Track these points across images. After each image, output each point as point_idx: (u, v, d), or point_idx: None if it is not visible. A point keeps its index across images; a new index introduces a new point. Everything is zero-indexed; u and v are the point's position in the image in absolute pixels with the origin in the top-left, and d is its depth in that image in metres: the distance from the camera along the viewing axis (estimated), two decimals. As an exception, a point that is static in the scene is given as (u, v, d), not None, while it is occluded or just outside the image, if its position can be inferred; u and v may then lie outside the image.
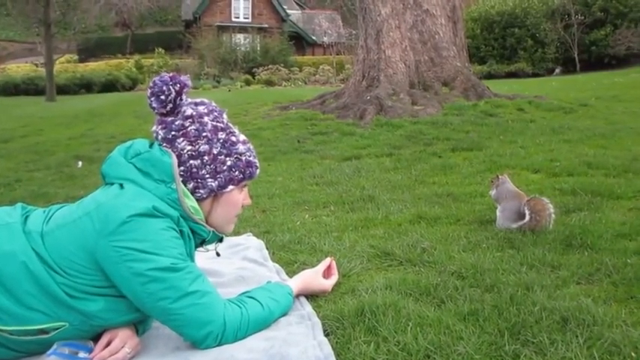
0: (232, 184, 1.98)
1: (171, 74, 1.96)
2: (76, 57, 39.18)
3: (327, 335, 1.93)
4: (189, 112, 1.95)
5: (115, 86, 27.78)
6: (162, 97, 1.92)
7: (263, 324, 1.97)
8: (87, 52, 39.78)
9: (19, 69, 32.96)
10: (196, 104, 1.99)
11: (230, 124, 2.03)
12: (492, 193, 3.29)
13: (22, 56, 41.12)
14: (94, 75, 28.40)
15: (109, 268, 1.73)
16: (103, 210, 1.75)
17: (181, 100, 1.96)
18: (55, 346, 1.77)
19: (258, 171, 2.07)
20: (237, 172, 1.98)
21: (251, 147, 2.06)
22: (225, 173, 1.95)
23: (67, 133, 9.42)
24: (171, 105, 1.93)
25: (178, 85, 1.93)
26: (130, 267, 1.71)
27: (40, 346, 1.78)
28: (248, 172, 2.01)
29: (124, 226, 1.71)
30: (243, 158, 2.00)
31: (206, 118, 1.96)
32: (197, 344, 1.82)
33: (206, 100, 2.04)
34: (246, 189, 2.09)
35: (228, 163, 1.96)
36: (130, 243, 1.71)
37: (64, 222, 1.81)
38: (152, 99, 1.94)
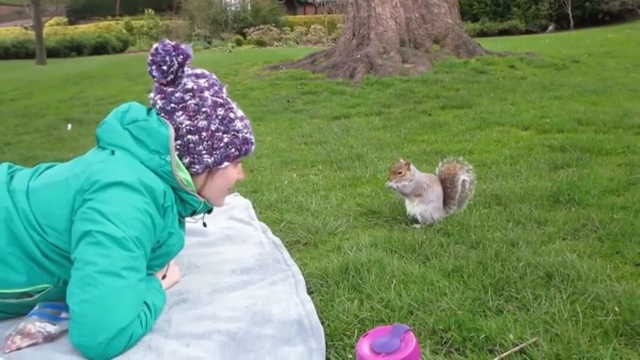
0: (228, 161, 1.97)
1: (174, 43, 1.90)
2: (65, 19, 38.58)
3: (311, 293, 1.94)
4: (190, 85, 1.91)
5: (106, 48, 27.46)
6: (164, 67, 1.87)
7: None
8: (76, 14, 39.10)
9: (9, 32, 32.30)
10: (197, 76, 1.95)
11: (229, 99, 2.00)
12: (402, 185, 2.64)
13: (10, 19, 40.31)
14: (84, 37, 27.95)
15: (74, 224, 1.69)
16: (90, 171, 1.74)
17: (183, 72, 1.92)
18: (37, 307, 1.79)
19: (253, 147, 2.05)
20: (233, 149, 1.96)
21: (248, 123, 2.04)
22: (222, 150, 1.94)
23: (56, 96, 9.32)
24: (172, 76, 1.90)
25: (181, 57, 1.89)
26: (84, 225, 1.65)
27: (26, 308, 1.79)
28: (244, 149, 2.00)
29: (103, 190, 1.69)
30: (240, 135, 1.98)
31: (206, 93, 1.92)
32: (84, 339, 1.59)
33: (207, 72, 2.00)
34: (240, 164, 2.07)
35: (225, 140, 1.94)
36: (97, 204, 1.67)
37: (52, 181, 1.79)
38: (153, 67, 1.89)
